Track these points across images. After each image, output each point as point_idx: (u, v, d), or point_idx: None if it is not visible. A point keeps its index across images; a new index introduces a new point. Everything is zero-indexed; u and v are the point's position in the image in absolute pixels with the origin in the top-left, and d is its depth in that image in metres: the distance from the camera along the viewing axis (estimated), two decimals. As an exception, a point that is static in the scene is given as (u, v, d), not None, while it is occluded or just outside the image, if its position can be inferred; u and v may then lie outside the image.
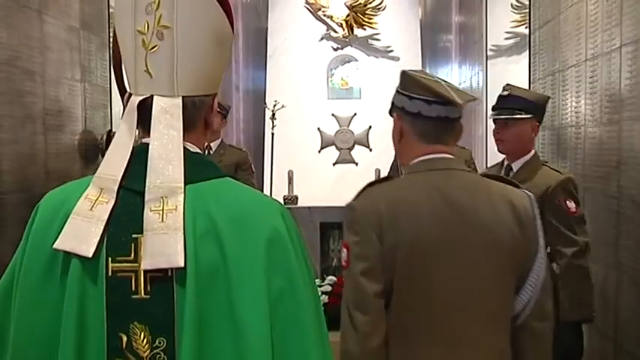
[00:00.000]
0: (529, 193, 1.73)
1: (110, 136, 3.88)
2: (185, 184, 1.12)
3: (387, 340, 1.63)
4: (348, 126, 6.82)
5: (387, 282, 1.61)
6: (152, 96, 1.16)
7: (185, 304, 1.08)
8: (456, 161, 1.73)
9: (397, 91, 1.76)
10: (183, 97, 1.16)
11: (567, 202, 2.49)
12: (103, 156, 3.89)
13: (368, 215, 1.63)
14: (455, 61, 6.92)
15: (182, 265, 1.07)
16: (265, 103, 6.47)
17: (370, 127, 6.70)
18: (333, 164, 6.78)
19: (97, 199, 1.13)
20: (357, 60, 6.93)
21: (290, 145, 6.65)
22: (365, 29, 6.87)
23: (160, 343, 1.10)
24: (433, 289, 1.61)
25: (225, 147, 4.32)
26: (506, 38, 4.81)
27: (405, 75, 1.76)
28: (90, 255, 1.09)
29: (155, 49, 1.15)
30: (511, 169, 2.72)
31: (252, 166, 4.35)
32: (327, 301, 4.81)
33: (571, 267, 2.47)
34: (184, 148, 1.15)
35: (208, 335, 1.09)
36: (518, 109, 2.63)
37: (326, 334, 1.24)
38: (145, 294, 1.10)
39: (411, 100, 1.71)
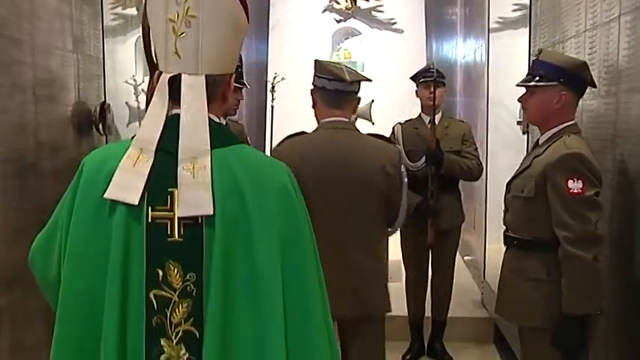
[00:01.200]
0: (400, 148, 2.78)
1: (104, 107, 3.83)
2: (211, 148, 1.33)
3: None
4: (351, 99, 6.72)
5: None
6: (180, 74, 1.37)
7: (213, 246, 1.30)
8: (347, 123, 2.55)
9: (314, 74, 2.59)
10: (205, 75, 1.37)
11: (569, 181, 2.35)
12: (97, 128, 3.86)
13: (285, 157, 2.03)
14: (460, 34, 6.80)
15: (211, 213, 1.30)
16: (266, 76, 6.39)
17: (373, 100, 6.55)
18: (336, 139, 6.70)
19: (138, 157, 1.34)
20: (360, 32, 6.84)
21: (292, 118, 6.56)
22: (368, 0, 6.76)
23: (190, 277, 1.32)
24: (327, 205, 2.40)
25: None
26: (513, 10, 4.69)
27: (317, 62, 2.63)
28: (136, 202, 1.32)
29: (184, 34, 1.36)
30: (538, 143, 2.62)
31: (249, 138, 4.30)
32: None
33: (566, 255, 2.36)
34: (208, 117, 1.36)
35: (230, 272, 1.31)
36: (542, 76, 2.51)
37: (322, 276, 1.45)
38: (178, 237, 1.32)
39: (319, 79, 2.58)
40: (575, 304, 2.36)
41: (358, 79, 2.58)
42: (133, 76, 4.88)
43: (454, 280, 4.26)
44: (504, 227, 2.71)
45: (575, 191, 2.36)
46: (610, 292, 2.55)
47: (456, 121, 4.27)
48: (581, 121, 2.80)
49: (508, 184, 2.68)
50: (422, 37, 6.78)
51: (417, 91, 4.22)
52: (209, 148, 1.34)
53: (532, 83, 2.56)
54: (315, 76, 2.60)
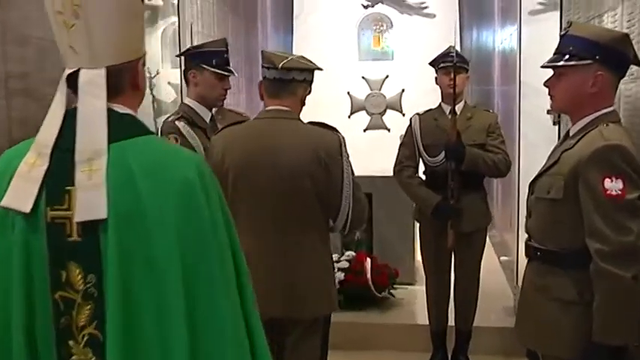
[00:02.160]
0: (340, 135, 2.46)
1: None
2: (110, 142, 1.27)
3: None
4: (380, 89, 6.27)
5: (226, 188, 2.28)
6: (79, 69, 1.30)
7: (108, 248, 1.25)
8: (286, 112, 2.43)
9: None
10: (108, 66, 1.30)
11: (606, 180, 1.87)
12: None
13: (214, 146, 2.41)
14: (498, 17, 6.26)
15: (104, 216, 1.24)
16: None
17: (403, 90, 6.13)
18: (364, 130, 6.27)
19: (34, 162, 1.30)
20: (389, 18, 6.35)
21: (318, 110, 6.15)
22: (397, -16, 6.28)
23: (90, 279, 1.27)
24: (252, 195, 2.38)
25: (223, 112, 3.85)
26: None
27: (262, 52, 2.56)
28: (27, 210, 1.28)
29: (74, 27, 1.28)
30: (568, 134, 2.15)
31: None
32: (342, 278, 4.37)
33: (599, 272, 1.88)
34: (112, 110, 1.30)
35: (130, 274, 1.25)
36: (573, 54, 2.03)
37: (245, 280, 1.40)
38: (77, 237, 1.27)
39: (262, 69, 2.49)
40: (607, 332, 1.89)
41: (292, 67, 2.43)
42: (147, 67, 4.58)
43: (482, 285, 3.77)
44: (526, 235, 2.24)
45: (614, 193, 1.88)
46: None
47: (481, 111, 3.77)
48: (618, 107, 2.29)
49: (531, 184, 2.21)
50: (455, 22, 6.26)
51: (436, 78, 3.75)
52: (105, 147, 1.27)
53: (561, 63, 2.08)
54: (261, 67, 2.53)
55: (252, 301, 1.42)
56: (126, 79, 1.36)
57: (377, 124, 6.23)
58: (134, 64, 1.37)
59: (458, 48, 6.42)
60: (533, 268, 2.17)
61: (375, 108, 6.28)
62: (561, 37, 2.13)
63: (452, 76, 3.52)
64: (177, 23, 4.50)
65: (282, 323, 2.43)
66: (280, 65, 2.39)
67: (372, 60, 6.37)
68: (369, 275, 4.38)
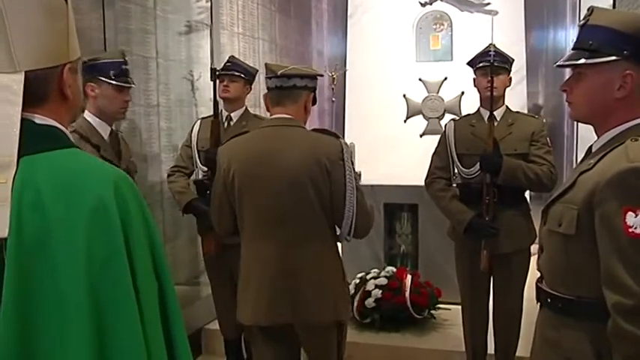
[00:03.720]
0: (342, 141, 2.38)
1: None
2: (21, 155, 1.16)
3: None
4: (438, 92, 5.80)
5: (232, 196, 2.39)
6: None
7: (6, 271, 1.13)
8: (289, 120, 2.39)
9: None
10: (26, 71, 1.18)
11: (629, 213, 1.42)
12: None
13: (221, 155, 2.46)
14: (570, 15, 5.65)
15: (4, 235, 1.12)
16: (325, 67, 5.60)
17: (463, 92, 5.63)
18: (420, 135, 5.80)
19: None
20: (448, 16, 5.85)
21: (373, 114, 5.79)
22: (456, -21, 5.76)
23: None
24: (255, 202, 2.35)
25: (248, 117, 3.56)
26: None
27: (265, 64, 2.51)
28: None
29: None
30: (590, 151, 1.69)
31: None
32: (379, 296, 3.97)
33: (618, 332, 1.43)
34: (28, 120, 1.20)
35: (31, 297, 1.14)
36: (595, 49, 1.58)
37: (149, 304, 1.22)
38: None
39: (265, 80, 2.47)
40: None
41: (292, 73, 2.40)
42: (191, 71, 4.37)
43: (526, 311, 3.26)
44: (538, 273, 1.78)
45: (638, 231, 1.41)
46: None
47: (525, 117, 3.26)
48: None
49: (544, 212, 1.74)
50: (520, 20, 5.69)
51: (474, 80, 3.28)
52: (14, 159, 1.15)
53: (581, 61, 1.61)
54: (265, 79, 2.51)
55: (179, 324, 1.31)
56: (51, 87, 1.23)
57: (434, 128, 5.72)
58: (59, 70, 1.24)
59: (523, 48, 5.91)
60: (545, 318, 1.71)
61: (432, 112, 5.81)
62: (580, 27, 1.66)
63: (489, 77, 3.05)
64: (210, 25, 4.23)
65: (293, 330, 2.42)
66: (280, 72, 2.38)
67: (430, 61, 5.87)
68: (407, 294, 3.95)
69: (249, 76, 3.54)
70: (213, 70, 3.39)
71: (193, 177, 3.55)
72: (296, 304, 2.34)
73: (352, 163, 2.39)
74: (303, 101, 2.44)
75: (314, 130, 2.55)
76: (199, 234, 3.55)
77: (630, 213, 1.41)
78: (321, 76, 2.62)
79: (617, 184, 1.44)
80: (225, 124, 3.51)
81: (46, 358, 1.15)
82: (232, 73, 3.46)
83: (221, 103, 3.50)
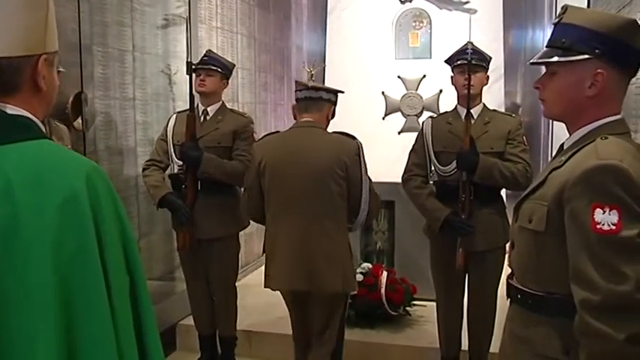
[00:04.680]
0: (358, 142, 2.89)
1: (80, 98, 3.23)
2: None
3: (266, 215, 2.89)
4: (416, 90, 5.79)
5: (264, 183, 2.84)
6: None
7: None
8: (313, 122, 2.87)
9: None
10: None
11: (597, 210, 1.42)
12: (70, 122, 3.27)
13: (256, 151, 2.92)
14: (548, 16, 5.69)
15: None
16: (304, 63, 5.59)
17: (441, 90, 5.62)
18: (399, 133, 5.80)
19: None
20: (427, 14, 5.86)
21: (351, 110, 5.77)
22: (435, -23, 5.77)
23: None
24: (283, 187, 2.79)
25: (224, 112, 3.54)
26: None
27: (295, 81, 3.12)
28: None
29: None
30: (562, 148, 1.70)
31: (255, 134, 3.53)
32: (355, 292, 3.96)
33: (584, 329, 1.43)
34: (0, 110, 1.19)
35: (2, 293, 1.11)
36: (568, 47, 1.58)
37: (119, 298, 1.21)
38: None
39: (295, 93, 2.96)
40: None
41: (320, 87, 2.96)
42: (168, 65, 4.33)
43: (500, 308, 3.28)
44: (509, 269, 1.79)
45: (605, 228, 1.41)
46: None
47: (502, 115, 3.28)
48: (629, 117, 1.80)
49: (516, 209, 1.75)
50: (499, 19, 5.71)
51: (452, 78, 3.29)
52: None
53: (553, 59, 1.62)
54: (294, 92, 2.98)
55: (151, 320, 1.30)
56: (24, 77, 1.21)
57: (412, 126, 5.73)
58: (34, 60, 1.22)
59: (501, 46, 5.94)
60: (515, 314, 1.72)
61: (410, 109, 5.81)
62: (554, 25, 1.67)
63: (467, 75, 3.06)
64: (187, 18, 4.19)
65: (306, 297, 2.89)
66: (310, 85, 2.93)
67: (409, 58, 5.88)
68: (383, 291, 3.96)
69: (225, 70, 3.52)
70: (189, 64, 3.37)
71: (168, 171, 3.52)
72: (312, 272, 2.76)
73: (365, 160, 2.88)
74: (326, 111, 2.93)
75: (334, 132, 2.96)
76: (174, 229, 3.52)
77: (598, 210, 1.42)
78: (342, 92, 3.04)
79: (586, 181, 1.45)
80: (202, 119, 3.49)
81: (12, 350, 1.12)
82: (209, 67, 3.44)
83: (197, 97, 3.48)
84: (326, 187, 2.75)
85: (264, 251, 2.97)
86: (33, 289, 1.11)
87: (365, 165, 2.86)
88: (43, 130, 1.27)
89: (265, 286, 2.92)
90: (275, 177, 2.80)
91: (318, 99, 2.88)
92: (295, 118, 2.96)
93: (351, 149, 2.83)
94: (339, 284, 2.81)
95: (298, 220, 2.77)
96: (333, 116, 2.98)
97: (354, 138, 2.90)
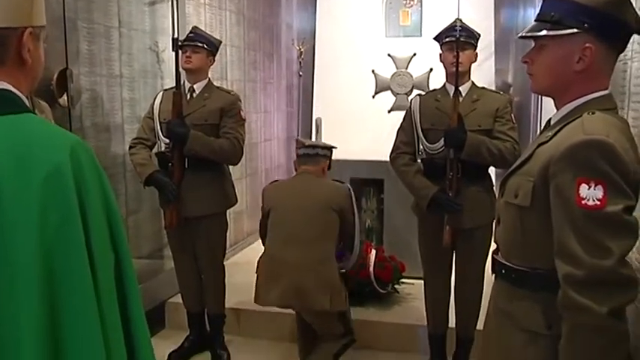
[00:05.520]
0: (348, 186, 3.34)
1: (65, 75, 3.18)
2: None
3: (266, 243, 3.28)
4: (407, 68, 5.79)
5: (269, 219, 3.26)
6: None
7: None
8: (310, 172, 3.31)
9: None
10: None
11: (582, 185, 1.40)
12: (55, 99, 3.23)
13: (265, 194, 3.35)
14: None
15: None
16: (294, 40, 5.54)
17: (431, 69, 5.62)
18: (389, 111, 5.79)
19: None
20: (418, -8, 5.82)
21: (341, 89, 5.75)
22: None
23: None
24: (284, 223, 3.18)
25: (211, 89, 3.50)
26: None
27: (296, 139, 3.83)
28: None
29: None
30: (549, 124, 1.68)
31: (243, 112, 3.50)
32: (344, 271, 3.96)
33: (567, 304, 1.42)
34: None
35: None
36: (556, 21, 1.55)
37: (104, 273, 1.20)
38: None
39: (296, 150, 3.44)
40: None
41: (316, 145, 3.43)
42: (156, 42, 4.28)
43: (487, 286, 3.29)
44: (494, 245, 1.79)
45: (590, 203, 1.40)
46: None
47: (490, 93, 3.25)
48: (615, 94, 1.79)
49: (502, 185, 1.74)
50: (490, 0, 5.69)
51: (440, 55, 3.26)
52: None
53: (542, 33, 1.60)
54: (295, 149, 3.47)
55: (136, 297, 1.29)
56: (9, 50, 1.20)
57: (402, 104, 5.69)
58: (19, 33, 1.20)
59: (492, 24, 5.90)
60: (499, 289, 1.72)
61: (400, 88, 5.80)
62: (543, 2, 1.64)
63: (455, 52, 3.04)
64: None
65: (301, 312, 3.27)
66: (307, 144, 3.38)
67: (400, 36, 5.84)
68: (371, 269, 3.96)
69: (212, 47, 3.47)
70: (174, 41, 3.32)
71: (155, 149, 3.49)
72: (300, 292, 3.03)
73: (355, 201, 3.31)
74: (322, 164, 3.34)
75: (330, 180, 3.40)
76: (161, 207, 3.50)
77: (584, 185, 1.41)
78: (335, 148, 3.48)
79: (572, 156, 1.44)
80: (188, 96, 3.45)
81: None
82: (195, 44, 3.39)
83: (184, 74, 3.43)
84: (320, 220, 3.11)
85: (257, 271, 3.25)
86: (17, 264, 1.10)
87: (355, 206, 3.28)
88: (27, 104, 1.25)
89: (255, 302, 3.22)
90: (275, 214, 3.20)
91: (314, 155, 3.31)
92: (296, 170, 3.42)
93: (342, 192, 3.23)
94: (327, 304, 3.04)
95: (292, 251, 3.07)
96: (329, 167, 3.40)
97: (343, 182, 3.38)
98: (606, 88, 1.60)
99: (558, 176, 1.46)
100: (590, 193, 1.40)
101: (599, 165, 1.40)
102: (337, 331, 3.25)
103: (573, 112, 1.58)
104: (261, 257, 3.24)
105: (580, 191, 1.41)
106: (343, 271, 3.30)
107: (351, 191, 3.27)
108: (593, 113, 1.52)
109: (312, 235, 3.09)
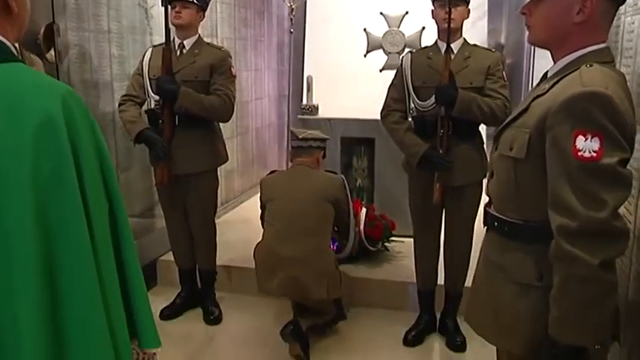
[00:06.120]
0: (342, 176, 3.44)
1: (52, 29, 3.11)
2: None
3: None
4: (399, 27, 5.68)
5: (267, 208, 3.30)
6: None
7: None
8: (305, 163, 3.36)
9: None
10: None
11: (579, 137, 1.39)
12: (42, 54, 3.15)
13: (264, 185, 3.39)
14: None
15: None
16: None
17: (424, 28, 5.53)
18: (380, 70, 5.72)
19: None
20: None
21: (333, 47, 5.66)
22: None
23: None
24: (279, 219, 3.20)
25: (201, 45, 3.43)
26: None
27: (290, 130, 3.82)
28: None
29: None
30: (546, 76, 1.66)
31: (233, 69, 3.44)
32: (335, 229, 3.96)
33: (560, 254, 1.43)
34: None
35: None
36: None
37: (99, 224, 1.20)
38: None
39: (291, 141, 3.43)
40: (563, 329, 1.45)
41: (309, 137, 3.38)
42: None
43: (476, 244, 3.30)
44: (487, 198, 1.78)
45: (587, 155, 1.40)
46: (631, 315, 1.59)
47: (482, 50, 3.20)
48: (615, 48, 1.77)
49: (496, 138, 1.73)
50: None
51: (432, 12, 3.21)
52: None
53: None
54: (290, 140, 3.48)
55: (130, 246, 1.29)
56: None
57: (394, 63, 5.61)
58: None
59: (488, -18, 5.80)
60: (491, 242, 1.72)
61: (392, 46, 5.71)
62: (540, -52, 1.60)
63: (447, 9, 2.98)
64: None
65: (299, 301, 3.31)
66: (301, 137, 3.36)
67: (392, -6, 5.75)
68: (362, 227, 3.97)
69: (202, 2, 3.40)
70: (164, -5, 3.24)
71: (145, 106, 3.43)
72: (297, 282, 3.07)
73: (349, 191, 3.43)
74: (316, 155, 3.38)
75: (324, 170, 3.48)
76: (151, 164, 3.47)
77: (580, 137, 1.40)
78: (328, 139, 3.54)
79: (570, 108, 1.42)
80: (178, 52, 3.39)
81: None
82: (184, -1, 3.31)
83: (173, 30, 3.36)
84: (315, 212, 3.17)
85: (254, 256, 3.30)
86: (10, 215, 1.09)
87: (349, 195, 3.40)
88: (16, 53, 1.22)
89: (259, 290, 3.31)
90: (272, 206, 3.26)
91: (308, 147, 3.35)
92: (291, 161, 3.48)
93: (336, 183, 3.31)
94: (324, 293, 3.11)
95: (287, 242, 3.11)
96: (324, 157, 3.48)
97: (336, 173, 3.50)
98: (604, 42, 1.58)
99: (555, 128, 1.44)
100: (587, 145, 1.39)
101: (596, 117, 1.39)
102: (331, 312, 3.36)
103: (571, 64, 1.56)
104: (257, 245, 3.27)
105: (576, 143, 1.40)
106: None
107: (345, 181, 3.36)
108: (591, 65, 1.50)
109: (308, 227, 3.13)
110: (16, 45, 1.35)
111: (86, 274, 1.16)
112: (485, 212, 1.74)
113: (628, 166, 1.43)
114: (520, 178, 1.59)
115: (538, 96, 1.59)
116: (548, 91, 1.55)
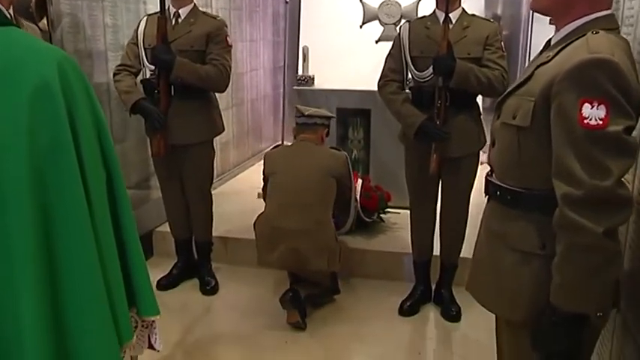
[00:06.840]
0: (345, 154, 3.41)
1: (44, -3, 3.04)
2: None
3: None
4: (395, -3, 5.62)
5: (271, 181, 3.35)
6: None
7: None
8: (309, 139, 3.37)
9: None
10: None
11: (585, 104, 1.35)
12: (34, 22, 3.08)
13: (269, 158, 3.40)
14: None
15: None
16: None
17: (420, -2, 5.47)
18: (376, 41, 5.65)
19: None
20: None
21: (328, 18, 5.58)
22: None
23: None
24: (281, 191, 3.23)
25: (197, 14, 3.37)
26: None
27: (295, 107, 3.53)
28: None
29: None
30: (549, 44, 1.62)
31: (229, 38, 3.38)
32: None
33: (564, 222, 1.40)
34: None
35: None
36: None
37: (96, 190, 1.17)
38: None
39: (295, 118, 3.45)
40: (566, 297, 1.43)
41: (314, 114, 3.39)
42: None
43: (472, 215, 3.28)
44: (488, 167, 1.76)
45: (592, 123, 1.36)
46: (626, 282, 1.58)
47: (480, 20, 3.15)
48: (616, 16, 1.73)
49: (498, 106, 1.69)
50: None
51: (431, -20, 3.15)
52: None
53: None
54: (295, 117, 3.46)
55: (128, 213, 1.27)
56: None
57: (390, 34, 5.56)
58: None
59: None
60: (492, 211, 1.69)
61: (388, 17, 5.63)
62: None
63: (446, -24, 2.92)
64: None
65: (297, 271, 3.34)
66: (306, 113, 3.38)
67: (388, -36, 5.65)
68: (357, 198, 3.94)
69: (197, -30, 3.32)
70: (158, -38, 3.16)
71: (140, 76, 3.37)
72: (298, 253, 3.10)
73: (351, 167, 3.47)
74: (320, 132, 3.39)
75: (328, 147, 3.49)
76: (147, 135, 3.42)
77: (587, 104, 1.36)
78: (334, 117, 3.70)
79: (576, 75, 1.39)
80: (173, 22, 3.32)
81: None
82: (179, -34, 3.23)
83: (168, -1, 3.29)
84: (319, 186, 3.18)
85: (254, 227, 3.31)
86: (7, 182, 1.06)
87: (352, 172, 3.45)
88: (9, 17, 1.18)
89: (259, 263, 3.32)
90: (275, 179, 3.28)
91: (312, 124, 3.36)
92: (295, 137, 3.46)
93: (340, 160, 3.32)
94: (325, 265, 3.16)
95: (290, 214, 3.12)
96: (327, 135, 3.47)
97: (340, 150, 3.50)
98: (609, 8, 1.54)
99: (562, 95, 1.41)
100: (593, 113, 1.36)
101: (603, 84, 1.36)
102: (326, 285, 3.40)
103: (575, 31, 1.52)
104: (258, 218, 3.27)
105: (583, 111, 1.37)
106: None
107: (348, 158, 3.37)
108: (596, 32, 1.46)
109: (311, 200, 3.15)
110: (10, 11, 1.31)
111: (83, 240, 1.14)
112: (487, 181, 1.71)
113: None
114: (523, 146, 1.56)
115: (542, 64, 1.55)
116: (552, 58, 1.51)
